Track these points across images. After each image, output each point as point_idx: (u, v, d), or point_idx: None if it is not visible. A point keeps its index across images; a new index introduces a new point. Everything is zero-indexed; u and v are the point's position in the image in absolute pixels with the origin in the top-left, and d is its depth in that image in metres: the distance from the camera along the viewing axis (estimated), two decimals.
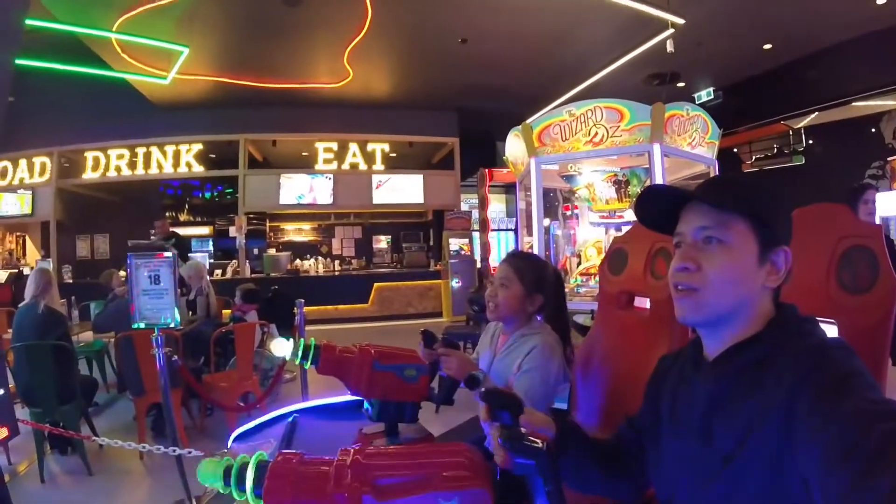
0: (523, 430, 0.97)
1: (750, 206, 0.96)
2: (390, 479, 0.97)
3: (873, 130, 9.86)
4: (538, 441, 0.95)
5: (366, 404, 1.84)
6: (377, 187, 11.92)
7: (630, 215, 5.39)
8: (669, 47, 7.64)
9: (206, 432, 4.51)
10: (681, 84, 10.34)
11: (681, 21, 7.51)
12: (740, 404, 0.91)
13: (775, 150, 11.44)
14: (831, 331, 1.34)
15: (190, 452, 2.71)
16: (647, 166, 4.90)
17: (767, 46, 8.96)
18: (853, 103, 9.32)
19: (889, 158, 7.66)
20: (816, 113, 10.17)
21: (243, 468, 0.93)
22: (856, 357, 0.83)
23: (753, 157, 11.77)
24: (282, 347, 1.73)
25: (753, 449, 0.85)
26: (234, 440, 1.87)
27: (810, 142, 11.03)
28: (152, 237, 7.91)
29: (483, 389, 1.05)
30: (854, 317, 1.29)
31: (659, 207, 1.08)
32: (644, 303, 2.16)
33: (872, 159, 9.68)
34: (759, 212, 0.96)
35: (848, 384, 0.76)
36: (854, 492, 0.63)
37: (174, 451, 2.76)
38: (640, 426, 1.19)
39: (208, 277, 6.02)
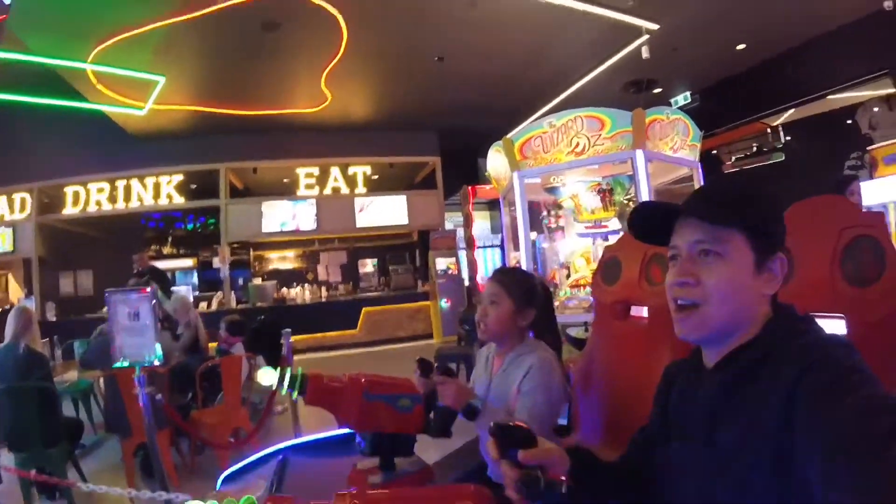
0: (537, 472, 0.91)
1: (745, 217, 0.96)
2: None
3: (849, 122, 9.99)
4: (560, 485, 0.90)
5: (358, 438, 1.75)
6: (360, 210, 11.87)
7: (615, 224, 5.38)
8: (645, 53, 7.69)
9: (197, 471, 4.37)
10: (658, 90, 10.41)
11: (655, 27, 7.55)
12: (740, 407, 0.92)
13: (755, 148, 11.54)
14: (839, 327, 1.31)
15: (178, 497, 2.59)
16: (631, 173, 4.89)
17: (741, 46, 9.04)
18: (829, 97, 9.45)
19: (868, 148, 7.75)
20: (793, 109, 10.30)
21: None
22: (855, 352, 0.84)
23: (733, 158, 11.87)
24: (267, 376, 1.62)
25: (755, 450, 0.85)
26: (223, 482, 1.78)
27: (788, 138, 11.15)
28: (134, 271, 7.77)
29: (492, 424, 0.97)
30: (863, 310, 1.26)
31: (652, 221, 1.09)
32: (641, 311, 2.12)
33: (850, 150, 9.76)
34: (753, 222, 0.96)
35: (848, 381, 0.77)
36: (858, 485, 0.64)
37: (161, 495, 2.64)
38: (651, 435, 1.18)
39: (195, 310, 5.92)
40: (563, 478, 0.92)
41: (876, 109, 9.41)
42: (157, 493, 2.60)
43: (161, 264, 10.37)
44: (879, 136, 8.79)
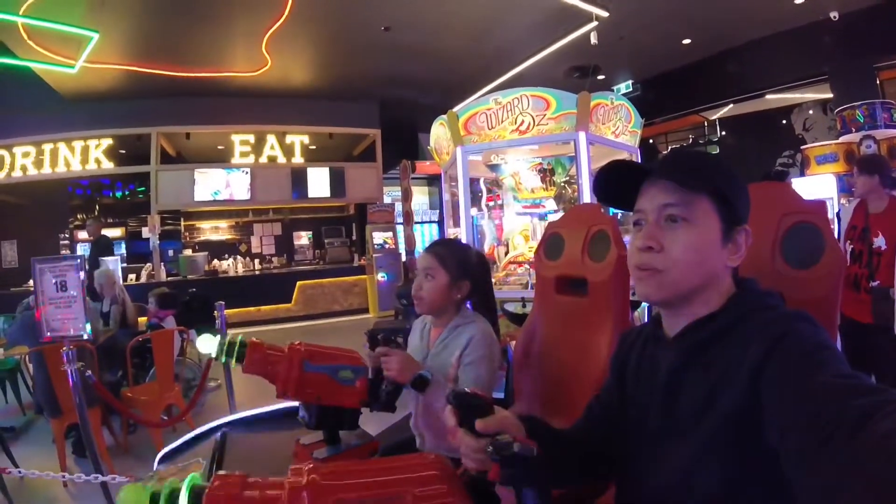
0: (508, 436, 0.88)
1: (715, 183, 0.94)
2: (356, 503, 0.84)
3: (784, 122, 10.45)
4: (532, 449, 0.87)
5: (301, 412, 1.71)
6: (296, 181, 11.66)
7: (552, 204, 5.45)
8: (593, 39, 7.77)
9: (131, 451, 4.24)
10: (601, 76, 10.55)
11: (605, 14, 7.63)
12: (703, 378, 0.91)
13: (690, 140, 11.92)
14: None
15: (114, 479, 2.49)
16: (573, 154, 4.95)
17: (687, 41, 9.29)
18: (767, 96, 9.84)
19: (802, 147, 8.17)
20: (731, 105, 10.65)
21: (174, 495, 0.78)
22: (821, 329, 0.84)
23: (669, 147, 12.24)
24: (207, 343, 1.59)
25: (718, 422, 0.85)
26: (160, 461, 1.72)
27: (723, 133, 11.55)
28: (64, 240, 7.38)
29: (450, 392, 0.96)
30: (801, 291, 1.29)
31: (617, 182, 1.05)
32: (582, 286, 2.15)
33: (783, 149, 10.28)
34: (723, 189, 0.94)
35: (817, 358, 0.77)
36: (833, 465, 0.63)
37: (97, 478, 2.53)
38: (608, 402, 1.17)
39: (121, 283, 5.67)
40: (533, 443, 0.89)
41: (811, 112, 9.88)
42: (91, 476, 2.49)
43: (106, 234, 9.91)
44: (812, 137, 9.27)
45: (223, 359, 1.58)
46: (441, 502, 0.87)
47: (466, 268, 1.91)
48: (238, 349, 1.56)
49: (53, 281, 2.76)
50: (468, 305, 2.01)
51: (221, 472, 0.86)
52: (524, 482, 0.86)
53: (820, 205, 1.39)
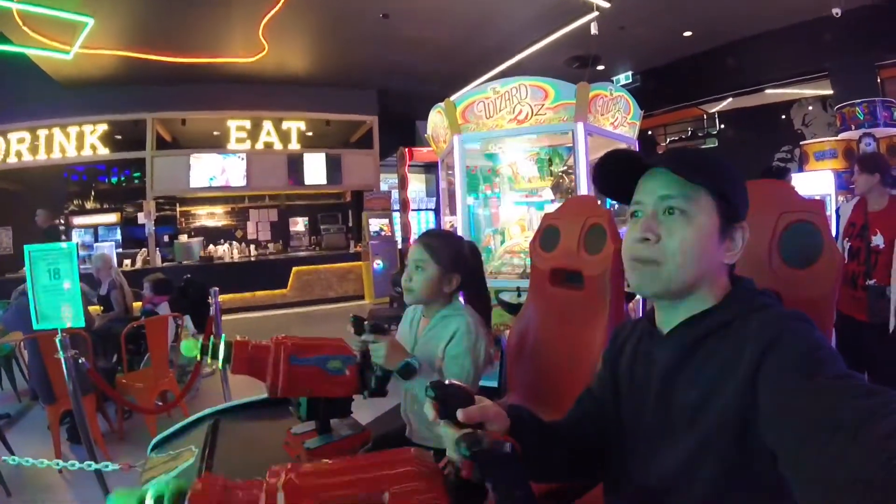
0: (480, 432, 0.87)
1: (715, 178, 0.93)
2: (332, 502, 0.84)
3: (783, 117, 10.45)
4: (505, 444, 0.85)
5: (294, 400, 1.70)
6: (293, 167, 11.64)
7: (549, 194, 5.44)
8: (593, 30, 7.73)
9: (126, 438, 4.24)
10: (601, 67, 10.51)
11: (606, 4, 7.60)
12: (698, 375, 0.91)
13: (689, 132, 11.91)
14: None
15: (107, 466, 2.49)
16: (570, 145, 4.92)
17: (688, 34, 9.24)
18: (767, 90, 9.82)
19: (801, 143, 8.17)
20: (731, 98, 10.63)
21: (159, 500, 0.78)
22: (816, 328, 0.84)
23: (668, 139, 12.22)
24: (190, 347, 1.53)
25: (713, 420, 0.85)
26: (153, 449, 1.71)
27: (723, 126, 11.54)
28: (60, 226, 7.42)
29: (429, 384, 0.93)
30: (798, 290, 1.30)
31: (617, 172, 1.04)
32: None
33: (782, 143, 10.30)
34: (723, 185, 0.94)
35: (815, 358, 0.76)
36: (832, 467, 0.63)
37: (90, 465, 2.53)
38: (599, 395, 1.16)
39: (118, 267, 5.66)
40: (508, 438, 0.88)
41: (811, 108, 9.87)
42: (85, 464, 2.49)
43: (84, 220, 9.83)
44: (811, 133, 9.27)
45: (209, 361, 1.54)
46: (417, 499, 0.86)
47: (458, 261, 1.89)
48: (224, 350, 1.52)
49: (47, 269, 2.75)
50: (461, 297, 1.99)
51: (204, 476, 0.86)
52: (499, 479, 0.85)
53: (819, 203, 1.38)
